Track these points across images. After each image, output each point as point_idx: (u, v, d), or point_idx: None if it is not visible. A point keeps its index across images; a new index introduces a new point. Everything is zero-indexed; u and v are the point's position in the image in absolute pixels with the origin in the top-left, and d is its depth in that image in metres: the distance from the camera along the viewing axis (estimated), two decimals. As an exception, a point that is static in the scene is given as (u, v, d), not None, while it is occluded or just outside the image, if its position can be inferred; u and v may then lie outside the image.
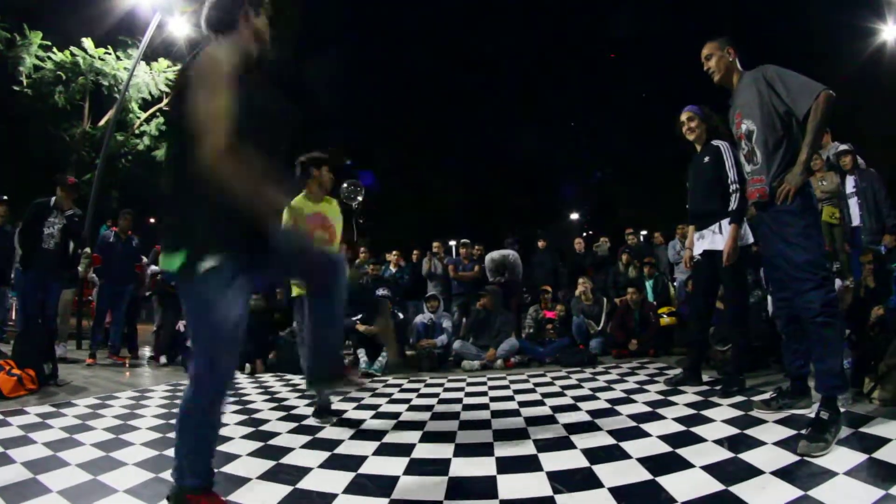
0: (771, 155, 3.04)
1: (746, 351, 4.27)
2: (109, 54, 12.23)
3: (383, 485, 2.49)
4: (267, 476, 2.65)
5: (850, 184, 6.87)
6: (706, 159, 4.24)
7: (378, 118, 27.57)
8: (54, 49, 11.82)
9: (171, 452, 2.98)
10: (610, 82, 34.12)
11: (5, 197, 6.11)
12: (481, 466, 2.70)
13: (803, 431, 2.61)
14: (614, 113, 32.29)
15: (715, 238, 4.15)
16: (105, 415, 4.01)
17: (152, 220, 17.07)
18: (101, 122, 12.96)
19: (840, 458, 2.38)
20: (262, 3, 2.19)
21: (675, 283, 8.79)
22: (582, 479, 2.43)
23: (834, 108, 2.82)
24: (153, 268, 8.14)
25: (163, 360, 7.20)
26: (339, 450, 3.09)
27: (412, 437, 3.32)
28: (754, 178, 3.17)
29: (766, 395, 3.40)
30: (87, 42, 11.89)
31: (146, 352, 8.07)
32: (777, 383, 4.19)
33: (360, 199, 10.07)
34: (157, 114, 13.70)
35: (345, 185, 11.05)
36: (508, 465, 2.69)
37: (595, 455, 2.75)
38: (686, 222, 5.76)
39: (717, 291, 4.53)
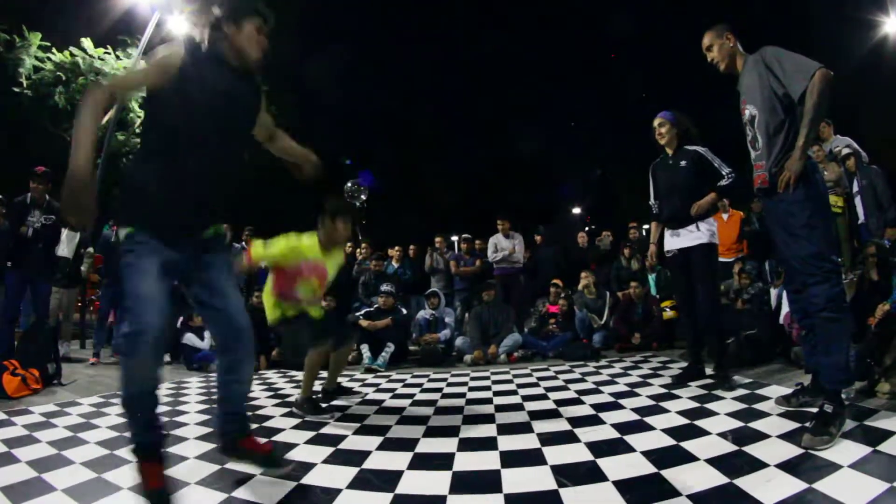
0: (771, 140, 2.98)
1: (723, 345, 4.36)
2: (109, 54, 12.21)
3: (387, 480, 2.49)
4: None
5: (855, 185, 6.85)
6: (683, 163, 4.34)
7: (379, 116, 27.56)
8: (54, 50, 11.80)
9: (175, 450, 3.01)
10: (609, 81, 34.10)
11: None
12: (485, 460, 2.70)
13: (808, 424, 2.60)
14: (614, 110, 32.30)
15: (690, 235, 4.28)
16: (109, 413, 4.02)
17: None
18: (102, 122, 12.95)
19: (845, 451, 2.37)
20: (240, 20, 2.38)
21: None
22: (586, 473, 2.43)
23: (833, 88, 2.73)
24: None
25: (166, 358, 7.21)
26: (343, 445, 3.09)
27: (416, 431, 3.32)
28: (756, 165, 3.12)
29: (788, 391, 3.34)
30: (87, 42, 11.87)
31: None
32: (780, 376, 4.20)
33: (363, 197, 10.10)
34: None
35: (349, 184, 11.06)
36: (513, 459, 2.68)
37: (599, 448, 2.76)
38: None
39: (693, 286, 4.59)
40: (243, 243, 8.81)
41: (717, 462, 2.41)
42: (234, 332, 2.46)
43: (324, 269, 4.01)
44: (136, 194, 2.32)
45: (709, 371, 4.37)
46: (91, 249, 7.61)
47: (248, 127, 2.57)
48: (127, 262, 2.21)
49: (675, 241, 4.40)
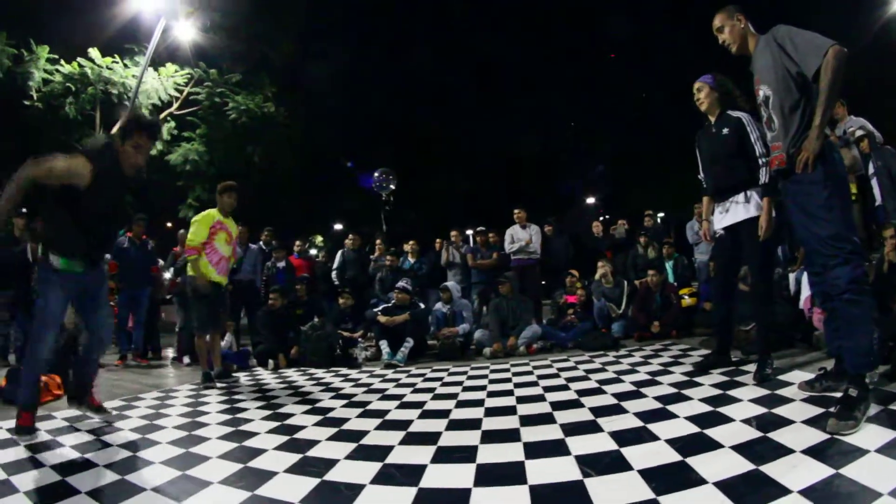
0: (787, 119, 2.95)
1: (772, 330, 4.13)
2: (117, 62, 12.27)
3: (411, 474, 2.49)
4: (294, 469, 2.66)
5: (870, 167, 6.75)
6: (725, 131, 4.01)
7: (384, 114, 27.59)
8: (62, 62, 11.88)
9: (197, 450, 3.03)
10: (610, 80, 34.07)
11: (24, 210, 6.13)
12: (509, 452, 2.69)
13: (832, 409, 2.56)
14: (618, 106, 32.25)
15: (738, 209, 3.93)
16: (131, 416, 4.05)
17: (169, 225, 17.26)
18: (113, 130, 13.04)
19: (870, 435, 2.34)
20: (129, 136, 3.52)
21: (695, 264, 8.71)
22: (611, 462, 2.41)
23: (846, 65, 2.67)
24: (169, 273, 8.24)
25: (186, 360, 7.27)
26: (365, 440, 3.09)
27: (438, 425, 3.32)
28: (773, 146, 3.10)
29: (811, 376, 3.28)
30: (94, 52, 11.94)
31: (170, 353, 8.16)
32: (802, 362, 4.14)
33: (391, 187, 10.13)
34: (168, 118, 13.78)
35: (376, 173, 11.04)
36: (536, 450, 2.67)
37: (623, 437, 2.74)
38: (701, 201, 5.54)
39: (739, 270, 4.38)
40: (261, 243, 8.85)
41: (742, 449, 2.38)
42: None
43: (227, 227, 5.65)
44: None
45: (734, 359, 4.31)
46: (108, 256, 7.67)
47: (121, 201, 3.81)
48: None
49: (724, 218, 4.07)
